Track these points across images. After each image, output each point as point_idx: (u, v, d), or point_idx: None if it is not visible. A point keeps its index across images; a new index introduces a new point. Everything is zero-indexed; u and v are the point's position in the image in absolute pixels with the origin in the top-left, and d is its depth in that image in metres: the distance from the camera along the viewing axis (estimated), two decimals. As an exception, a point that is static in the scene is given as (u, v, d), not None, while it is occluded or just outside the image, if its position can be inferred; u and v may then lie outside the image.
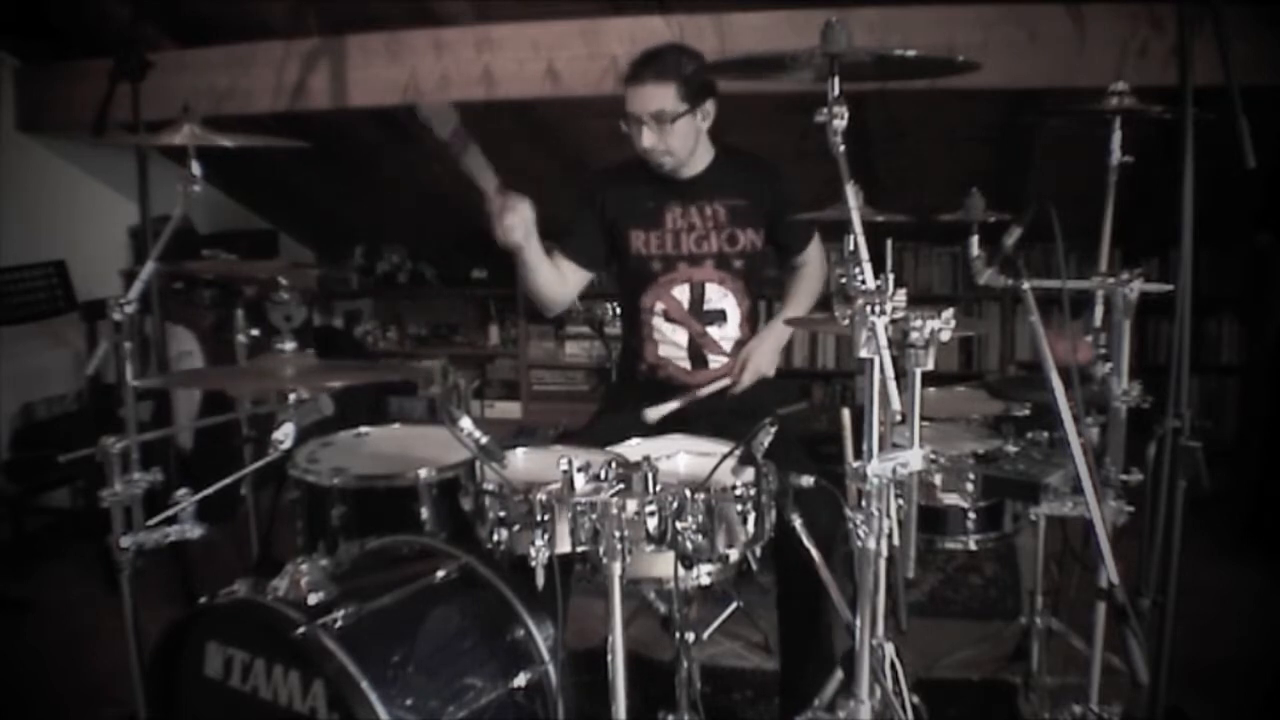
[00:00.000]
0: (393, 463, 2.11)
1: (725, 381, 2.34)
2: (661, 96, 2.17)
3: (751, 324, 2.42)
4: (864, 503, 1.44)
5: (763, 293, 2.49)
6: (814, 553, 1.81)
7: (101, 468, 1.78)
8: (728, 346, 2.38)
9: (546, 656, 1.70)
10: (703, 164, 2.32)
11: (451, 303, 5.40)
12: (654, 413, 2.22)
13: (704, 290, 2.34)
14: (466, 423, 1.57)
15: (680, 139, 2.22)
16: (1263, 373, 3.58)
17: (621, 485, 1.53)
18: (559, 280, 2.34)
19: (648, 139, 2.20)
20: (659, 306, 2.37)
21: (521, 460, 1.87)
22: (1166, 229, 1.56)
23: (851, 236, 1.41)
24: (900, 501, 1.47)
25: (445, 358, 5.13)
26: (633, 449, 1.91)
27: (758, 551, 1.71)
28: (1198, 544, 1.71)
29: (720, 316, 2.36)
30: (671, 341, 2.38)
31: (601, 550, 1.50)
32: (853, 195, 1.45)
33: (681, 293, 2.35)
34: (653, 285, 2.36)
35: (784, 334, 2.40)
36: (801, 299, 2.51)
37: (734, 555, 1.67)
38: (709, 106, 2.25)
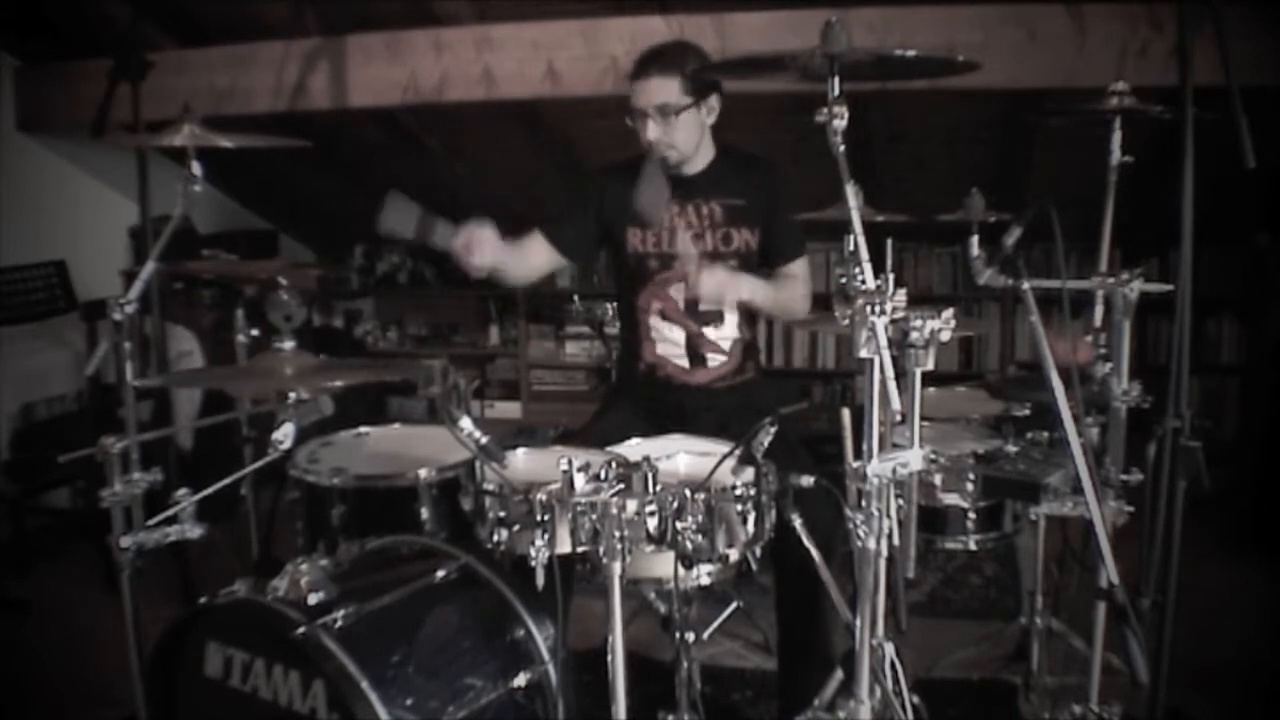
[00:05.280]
0: (393, 463, 2.11)
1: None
2: (666, 89, 2.17)
3: (750, 325, 2.41)
4: (864, 503, 1.44)
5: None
6: (814, 553, 1.81)
7: (101, 468, 1.78)
8: (726, 346, 2.37)
9: (546, 656, 1.70)
10: (704, 162, 2.32)
11: (451, 303, 5.40)
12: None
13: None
14: (466, 423, 1.57)
15: (684, 132, 2.22)
16: (1263, 373, 3.58)
17: (621, 485, 1.53)
18: (523, 261, 2.32)
19: (652, 132, 2.20)
20: (655, 305, 2.36)
21: (521, 460, 1.87)
22: (1166, 229, 1.56)
23: (851, 236, 1.42)
24: (900, 501, 1.48)
25: (445, 357, 5.12)
26: (633, 449, 1.91)
27: (758, 551, 1.71)
28: (1198, 544, 1.72)
29: (717, 317, 2.34)
30: (669, 340, 2.37)
31: (601, 550, 1.50)
32: (853, 195, 1.46)
33: (677, 291, 2.34)
34: (649, 284, 2.36)
35: (744, 287, 2.24)
36: (773, 289, 2.30)
37: (734, 555, 1.67)
38: (714, 101, 2.25)
